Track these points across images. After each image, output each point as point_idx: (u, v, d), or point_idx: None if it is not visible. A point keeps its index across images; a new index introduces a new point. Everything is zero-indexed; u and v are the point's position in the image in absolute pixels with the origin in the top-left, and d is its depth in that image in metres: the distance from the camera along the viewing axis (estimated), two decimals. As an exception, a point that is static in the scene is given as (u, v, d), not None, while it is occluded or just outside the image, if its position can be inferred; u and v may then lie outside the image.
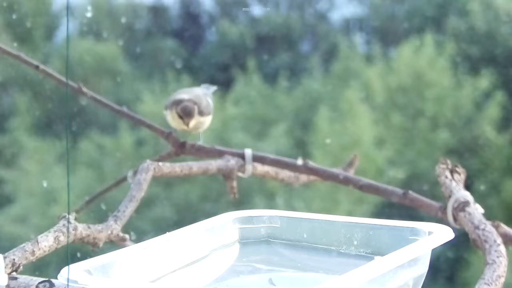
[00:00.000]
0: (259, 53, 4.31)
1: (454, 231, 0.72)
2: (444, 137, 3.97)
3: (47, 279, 0.74)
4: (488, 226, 0.93)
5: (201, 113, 1.20)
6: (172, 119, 1.21)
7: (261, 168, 1.19)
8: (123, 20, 4.28)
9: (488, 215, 0.98)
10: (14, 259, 0.77)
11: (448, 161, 1.04)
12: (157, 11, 4.52)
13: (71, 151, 3.45)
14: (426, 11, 4.31)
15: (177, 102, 1.20)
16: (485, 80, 3.97)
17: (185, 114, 1.19)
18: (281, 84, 4.23)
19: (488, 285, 0.81)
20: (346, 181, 1.16)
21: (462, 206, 0.98)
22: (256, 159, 1.18)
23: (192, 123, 1.20)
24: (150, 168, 1.02)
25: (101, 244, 0.89)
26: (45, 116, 3.76)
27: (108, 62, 4.09)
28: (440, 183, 1.02)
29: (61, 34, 4.14)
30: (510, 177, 3.79)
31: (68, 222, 0.84)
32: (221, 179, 1.17)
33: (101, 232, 0.89)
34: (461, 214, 0.97)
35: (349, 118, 4.00)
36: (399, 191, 1.10)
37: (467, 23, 4.14)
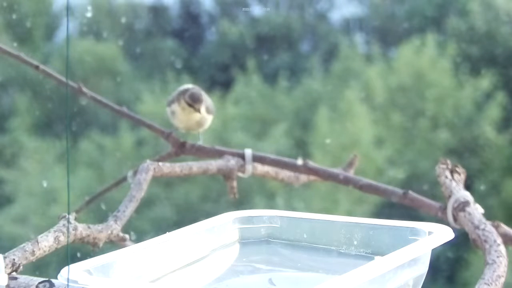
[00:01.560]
0: (259, 53, 4.31)
1: (454, 231, 0.72)
2: (444, 137, 3.97)
3: (47, 279, 0.74)
4: (488, 226, 0.93)
5: (207, 109, 1.20)
6: (182, 111, 1.18)
7: (261, 168, 1.19)
8: (123, 20, 4.28)
9: (488, 215, 0.98)
10: (14, 259, 0.77)
11: (448, 161, 1.04)
12: (157, 11, 4.52)
13: (71, 151, 3.45)
14: (426, 11, 4.31)
15: (183, 92, 1.19)
16: (485, 81, 3.97)
17: (194, 100, 1.17)
18: (281, 84, 4.23)
19: (488, 285, 0.81)
20: (346, 181, 1.16)
21: (462, 206, 0.98)
22: (256, 159, 1.18)
23: (203, 108, 1.18)
24: (150, 168, 1.02)
25: (101, 244, 0.89)
26: (45, 116, 3.76)
27: (108, 62, 4.09)
28: (440, 183, 1.02)
29: (61, 34, 4.14)
30: (510, 177, 3.79)
31: (68, 222, 0.84)
32: (221, 179, 1.17)
33: (101, 232, 0.89)
34: (461, 214, 0.97)
35: (349, 118, 4.00)
36: (399, 191, 1.10)
37: (467, 23, 4.14)
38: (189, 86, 1.20)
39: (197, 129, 1.22)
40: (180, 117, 1.19)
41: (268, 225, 0.81)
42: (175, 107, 1.19)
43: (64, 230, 0.83)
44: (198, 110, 1.18)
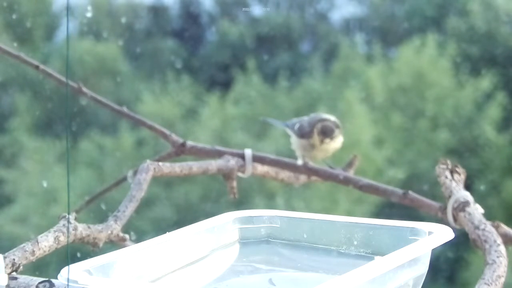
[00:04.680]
0: (259, 53, 4.31)
1: (454, 231, 0.72)
2: (444, 137, 3.97)
3: (47, 279, 0.74)
4: (488, 226, 0.93)
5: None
6: (320, 144, 1.19)
7: (261, 168, 1.19)
8: (123, 20, 4.28)
9: (488, 215, 0.98)
10: (14, 259, 0.77)
11: (448, 161, 1.03)
12: (157, 11, 4.52)
13: (71, 151, 3.45)
14: (426, 11, 4.31)
15: (317, 122, 1.20)
16: (485, 81, 3.97)
17: (326, 133, 1.19)
18: (281, 84, 4.23)
19: (488, 285, 0.81)
20: (346, 181, 1.16)
21: (462, 206, 0.98)
22: (256, 159, 1.18)
23: (330, 143, 1.20)
24: (150, 168, 1.02)
25: (101, 244, 0.89)
26: (45, 116, 3.76)
27: (108, 62, 4.09)
28: (440, 183, 1.02)
29: (61, 34, 4.14)
30: (510, 177, 3.79)
31: (68, 222, 0.84)
32: (221, 179, 1.17)
33: (101, 232, 0.88)
34: (461, 214, 0.97)
35: (348, 118, 4.00)
36: (399, 191, 1.10)
37: (467, 23, 4.14)
38: (327, 116, 1.21)
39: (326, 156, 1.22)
40: (321, 148, 1.20)
41: (268, 225, 0.80)
42: (315, 140, 1.19)
43: (64, 230, 0.83)
44: (323, 142, 1.19)
